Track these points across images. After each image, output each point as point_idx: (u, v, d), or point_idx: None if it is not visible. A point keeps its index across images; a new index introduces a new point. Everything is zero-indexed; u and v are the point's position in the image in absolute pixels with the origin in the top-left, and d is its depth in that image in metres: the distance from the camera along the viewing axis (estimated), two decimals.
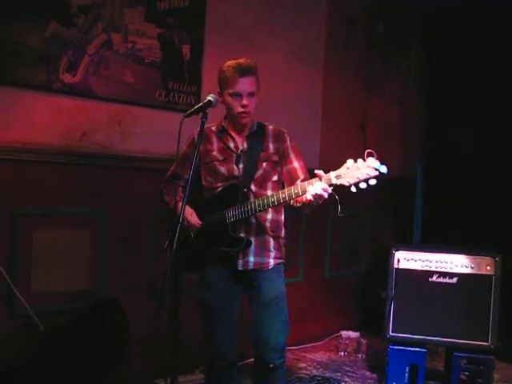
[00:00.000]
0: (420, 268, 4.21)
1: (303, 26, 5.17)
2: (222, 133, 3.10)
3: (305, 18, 5.18)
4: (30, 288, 3.54)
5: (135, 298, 3.90)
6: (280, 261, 3.14)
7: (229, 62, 2.98)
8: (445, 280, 4.17)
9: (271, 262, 3.08)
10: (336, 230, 5.62)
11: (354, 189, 2.52)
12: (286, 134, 3.13)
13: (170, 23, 4.12)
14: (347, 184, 2.52)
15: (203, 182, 3.14)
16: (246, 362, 4.18)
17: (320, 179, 2.64)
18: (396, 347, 4.19)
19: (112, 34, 3.82)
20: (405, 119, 6.40)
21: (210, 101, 2.75)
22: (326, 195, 2.64)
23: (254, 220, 3.03)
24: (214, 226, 3.00)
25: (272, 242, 3.09)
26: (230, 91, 2.95)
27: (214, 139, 3.12)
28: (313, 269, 5.43)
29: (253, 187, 3.03)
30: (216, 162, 3.07)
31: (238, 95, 2.95)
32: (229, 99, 2.98)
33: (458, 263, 4.16)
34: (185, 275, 2.71)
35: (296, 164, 3.09)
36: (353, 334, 5.22)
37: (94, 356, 3.40)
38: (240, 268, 3.04)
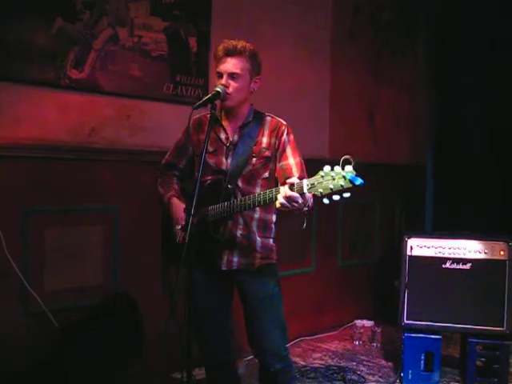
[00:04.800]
0: (433, 255, 4.19)
1: (309, 17, 5.15)
2: (215, 122, 2.89)
3: (311, 8, 5.16)
4: (43, 286, 3.55)
5: (148, 294, 3.90)
6: (268, 261, 2.95)
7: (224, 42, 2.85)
8: (458, 266, 4.15)
9: (257, 262, 2.92)
10: (347, 219, 5.62)
11: (326, 200, 2.30)
12: (283, 127, 2.91)
13: (176, 16, 4.10)
14: (319, 195, 2.32)
15: (195, 174, 2.91)
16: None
17: (291, 187, 2.43)
18: (411, 335, 4.17)
19: (118, 29, 3.81)
20: (414, 107, 6.37)
21: (218, 92, 2.73)
22: (295, 204, 2.44)
23: (240, 219, 2.88)
24: (197, 223, 2.73)
25: (259, 242, 2.92)
26: (216, 71, 2.84)
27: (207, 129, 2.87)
28: (325, 259, 5.43)
29: (240, 183, 2.87)
30: (206, 154, 2.76)
31: (220, 75, 2.81)
32: (216, 80, 2.85)
33: (471, 249, 4.13)
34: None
35: (291, 160, 2.87)
36: (367, 323, 5.21)
37: (113, 351, 3.43)
38: (224, 268, 2.90)
